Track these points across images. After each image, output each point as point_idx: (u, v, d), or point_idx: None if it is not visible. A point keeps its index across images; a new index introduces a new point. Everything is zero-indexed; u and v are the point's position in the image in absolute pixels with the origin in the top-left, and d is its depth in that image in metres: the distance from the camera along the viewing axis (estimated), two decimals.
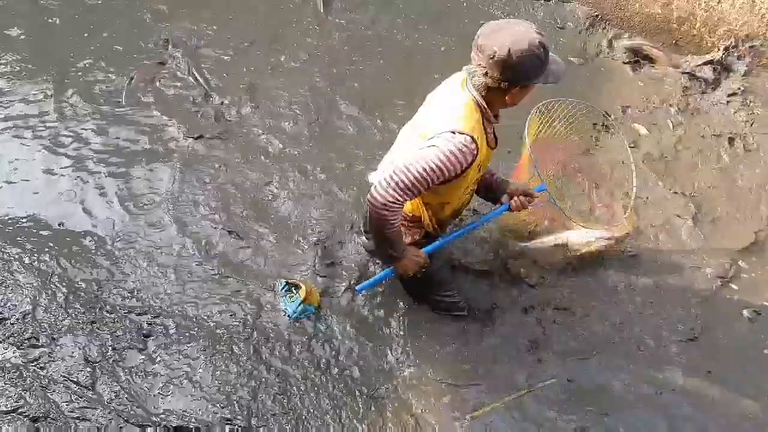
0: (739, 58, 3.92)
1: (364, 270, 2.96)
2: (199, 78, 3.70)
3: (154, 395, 2.56)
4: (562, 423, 2.61)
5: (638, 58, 4.01)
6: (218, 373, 2.64)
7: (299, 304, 2.77)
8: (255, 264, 2.97)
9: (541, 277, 3.00)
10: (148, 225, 3.07)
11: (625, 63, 3.98)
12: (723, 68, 3.89)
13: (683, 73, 3.89)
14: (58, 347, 2.64)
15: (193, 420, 2.51)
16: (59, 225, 3.04)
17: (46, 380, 2.54)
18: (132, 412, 2.50)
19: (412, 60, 3.91)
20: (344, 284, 2.92)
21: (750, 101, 3.79)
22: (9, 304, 2.73)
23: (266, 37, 3.97)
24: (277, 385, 2.63)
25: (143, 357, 2.65)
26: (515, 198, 2.58)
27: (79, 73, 3.68)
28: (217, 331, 2.75)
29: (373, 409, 2.61)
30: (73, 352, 2.63)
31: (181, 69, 3.74)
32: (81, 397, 2.51)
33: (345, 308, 2.87)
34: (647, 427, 2.63)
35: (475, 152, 2.24)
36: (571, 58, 3.96)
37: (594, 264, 3.05)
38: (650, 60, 4.00)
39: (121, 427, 2.45)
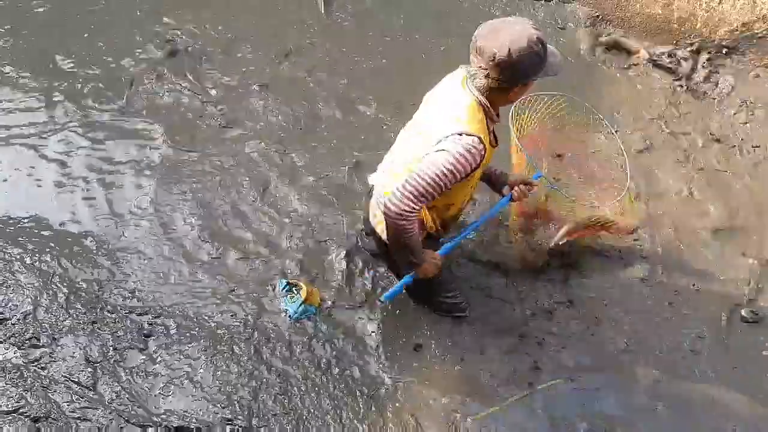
0: (728, 54, 3.92)
1: (363, 270, 2.97)
2: (199, 79, 3.70)
3: (155, 395, 2.57)
4: (566, 424, 2.62)
5: (616, 51, 4.01)
6: (219, 373, 2.64)
7: (300, 305, 2.78)
8: (255, 265, 2.98)
9: (547, 278, 3.01)
10: (148, 225, 3.07)
11: (602, 56, 3.98)
12: (683, 59, 3.90)
13: (648, 61, 3.91)
14: (59, 347, 2.64)
15: (194, 420, 2.51)
16: (60, 225, 3.04)
17: (47, 380, 2.55)
18: (133, 412, 2.50)
19: (412, 60, 3.90)
20: (344, 284, 2.92)
21: (750, 102, 3.79)
22: (10, 304, 2.73)
23: (266, 37, 3.97)
24: (278, 385, 2.63)
25: (144, 357, 2.66)
26: (516, 188, 2.60)
27: (80, 73, 3.68)
28: (218, 331, 2.76)
29: (373, 409, 2.61)
30: (74, 353, 2.63)
31: (181, 70, 3.73)
32: (82, 397, 2.52)
33: (345, 309, 2.87)
34: (648, 427, 2.63)
35: (483, 152, 2.25)
36: (571, 59, 3.96)
37: (602, 263, 3.06)
38: (628, 53, 4.01)
39: (122, 428, 2.45)
